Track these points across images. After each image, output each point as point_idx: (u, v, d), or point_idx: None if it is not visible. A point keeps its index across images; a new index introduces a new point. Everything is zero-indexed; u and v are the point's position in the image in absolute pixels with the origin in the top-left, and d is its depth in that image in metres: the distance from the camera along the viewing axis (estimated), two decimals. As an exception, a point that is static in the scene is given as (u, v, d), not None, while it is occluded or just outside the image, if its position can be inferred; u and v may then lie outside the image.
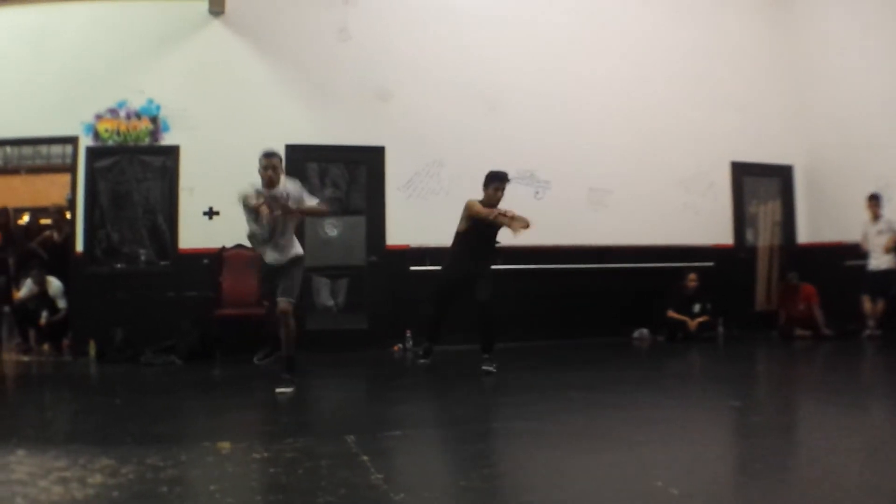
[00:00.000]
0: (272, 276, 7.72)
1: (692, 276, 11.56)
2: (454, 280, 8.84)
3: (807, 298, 11.70)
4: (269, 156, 7.58)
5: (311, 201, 7.73)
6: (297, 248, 7.77)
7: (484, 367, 8.36)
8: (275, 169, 7.57)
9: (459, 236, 8.77)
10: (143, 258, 10.44)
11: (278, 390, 7.29)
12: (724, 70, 12.66)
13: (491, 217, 8.42)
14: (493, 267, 8.81)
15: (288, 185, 7.64)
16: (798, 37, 13.11)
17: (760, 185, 13.15)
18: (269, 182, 7.55)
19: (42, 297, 10.59)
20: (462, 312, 8.81)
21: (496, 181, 8.63)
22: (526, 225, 8.24)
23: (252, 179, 10.55)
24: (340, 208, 11.23)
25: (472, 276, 8.58)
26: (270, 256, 7.68)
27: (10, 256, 11.48)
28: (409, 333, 10.71)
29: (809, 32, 12.98)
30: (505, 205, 10.99)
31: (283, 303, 7.51)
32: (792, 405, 7.20)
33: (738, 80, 12.73)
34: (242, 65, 10.75)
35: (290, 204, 7.48)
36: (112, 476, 4.22)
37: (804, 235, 13.23)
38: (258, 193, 7.49)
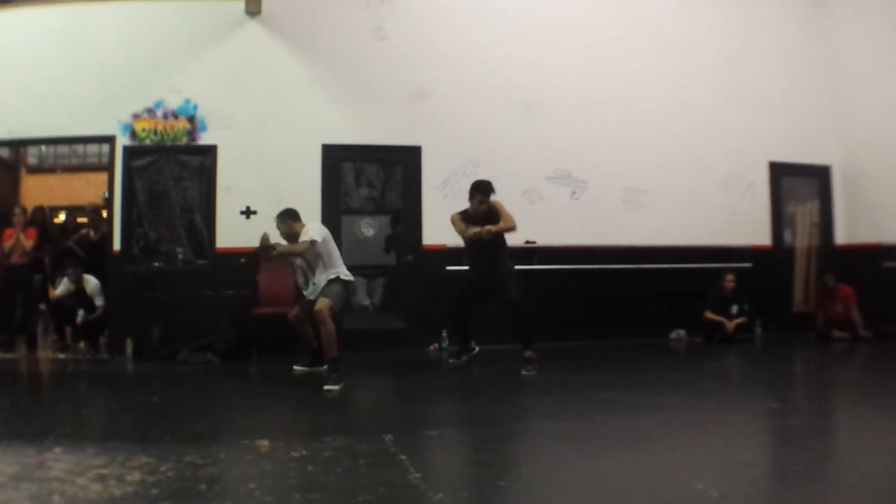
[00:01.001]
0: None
1: (730, 277, 11.44)
2: (469, 282, 9.02)
3: (844, 300, 11.57)
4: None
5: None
6: (332, 274, 8.15)
7: (524, 372, 8.31)
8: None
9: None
10: (180, 257, 10.52)
11: (326, 388, 7.38)
12: (761, 70, 12.55)
13: (465, 235, 8.60)
14: (525, 267, 8.79)
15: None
16: (835, 36, 12.98)
17: (798, 185, 12.99)
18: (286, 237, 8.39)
19: (79, 296, 10.67)
20: (497, 313, 8.83)
21: (478, 193, 8.63)
22: (480, 231, 8.39)
23: (287, 178, 10.68)
24: (376, 208, 11.28)
25: (488, 278, 8.68)
26: (308, 291, 8.39)
27: (45, 255, 11.55)
28: (445, 333, 10.69)
29: (847, 32, 12.85)
30: (544, 205, 11.03)
31: (320, 302, 7.67)
32: (830, 407, 7.14)
33: (776, 79, 12.63)
34: (279, 65, 10.81)
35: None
36: (151, 474, 4.24)
37: (842, 236, 13.08)
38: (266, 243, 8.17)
